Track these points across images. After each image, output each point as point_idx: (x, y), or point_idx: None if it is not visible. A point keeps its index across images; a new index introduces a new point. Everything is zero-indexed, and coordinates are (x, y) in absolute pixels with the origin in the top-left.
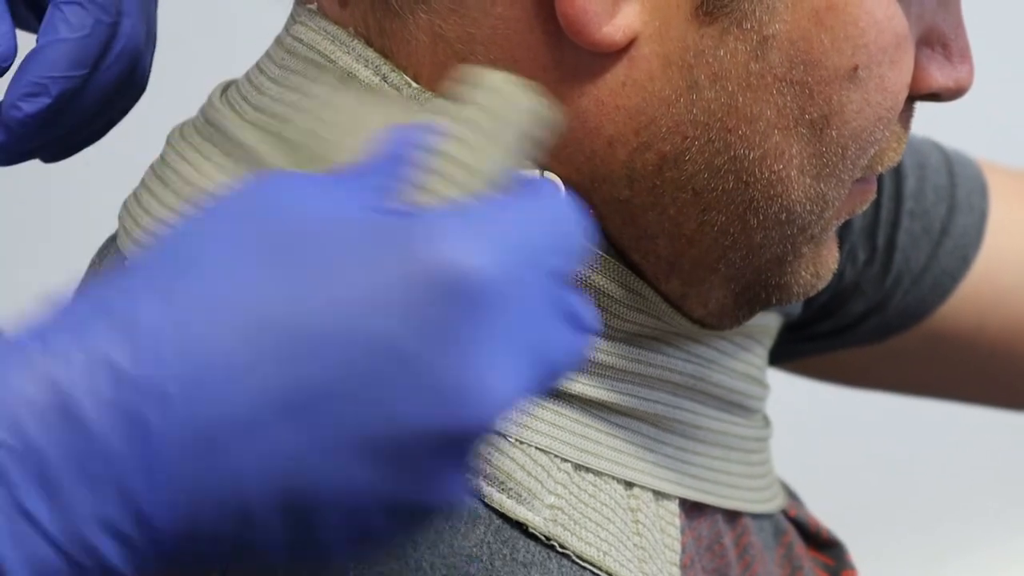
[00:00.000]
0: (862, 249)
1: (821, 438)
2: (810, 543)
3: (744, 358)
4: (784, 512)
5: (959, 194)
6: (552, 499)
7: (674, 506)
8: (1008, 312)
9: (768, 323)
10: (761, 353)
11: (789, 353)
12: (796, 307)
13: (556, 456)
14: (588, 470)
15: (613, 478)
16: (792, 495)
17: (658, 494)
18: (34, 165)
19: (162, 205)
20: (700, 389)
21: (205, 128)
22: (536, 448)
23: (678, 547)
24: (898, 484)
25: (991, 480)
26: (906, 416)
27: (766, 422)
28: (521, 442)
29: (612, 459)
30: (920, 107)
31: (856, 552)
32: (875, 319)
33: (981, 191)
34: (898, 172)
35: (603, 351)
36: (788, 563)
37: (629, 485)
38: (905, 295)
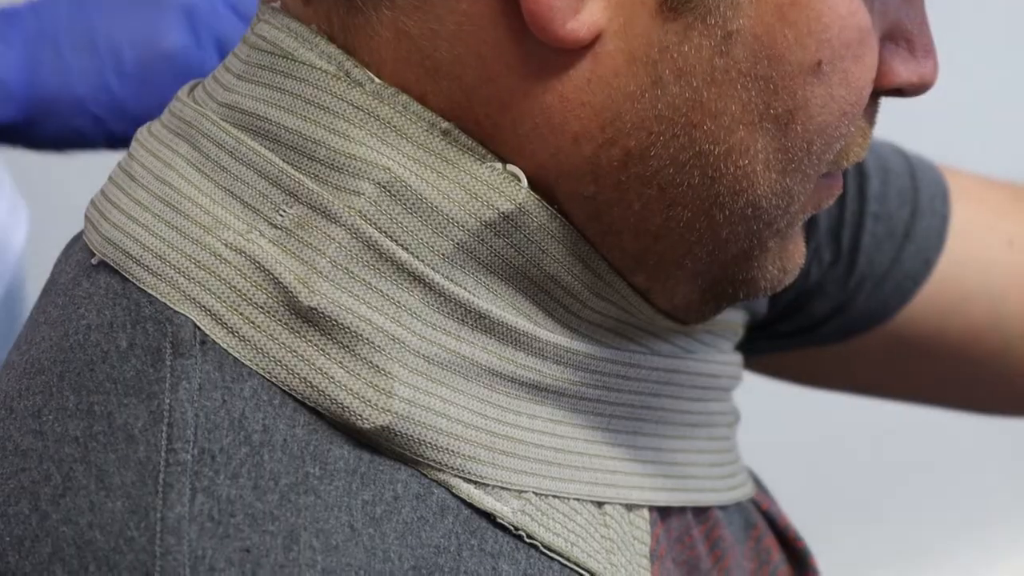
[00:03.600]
0: (827, 250)
1: (798, 439)
2: (778, 540)
3: (711, 356)
4: (756, 504)
5: (921, 198)
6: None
7: (644, 509)
8: (968, 315)
9: (734, 320)
10: (727, 348)
11: (749, 349)
12: (761, 306)
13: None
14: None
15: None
16: (763, 489)
17: (628, 506)
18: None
19: (131, 200)
20: (673, 382)
21: (173, 124)
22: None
23: (647, 539)
24: (874, 486)
25: (964, 484)
26: (881, 417)
27: (736, 412)
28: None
29: (578, 479)
30: (885, 108)
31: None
32: (838, 320)
33: (943, 195)
34: (862, 174)
35: (573, 339)
36: (756, 556)
37: (599, 504)
38: (868, 297)
